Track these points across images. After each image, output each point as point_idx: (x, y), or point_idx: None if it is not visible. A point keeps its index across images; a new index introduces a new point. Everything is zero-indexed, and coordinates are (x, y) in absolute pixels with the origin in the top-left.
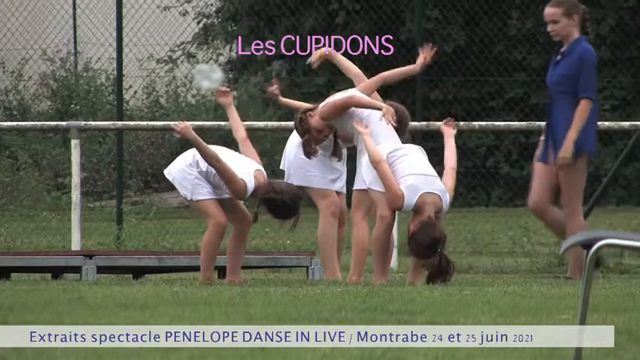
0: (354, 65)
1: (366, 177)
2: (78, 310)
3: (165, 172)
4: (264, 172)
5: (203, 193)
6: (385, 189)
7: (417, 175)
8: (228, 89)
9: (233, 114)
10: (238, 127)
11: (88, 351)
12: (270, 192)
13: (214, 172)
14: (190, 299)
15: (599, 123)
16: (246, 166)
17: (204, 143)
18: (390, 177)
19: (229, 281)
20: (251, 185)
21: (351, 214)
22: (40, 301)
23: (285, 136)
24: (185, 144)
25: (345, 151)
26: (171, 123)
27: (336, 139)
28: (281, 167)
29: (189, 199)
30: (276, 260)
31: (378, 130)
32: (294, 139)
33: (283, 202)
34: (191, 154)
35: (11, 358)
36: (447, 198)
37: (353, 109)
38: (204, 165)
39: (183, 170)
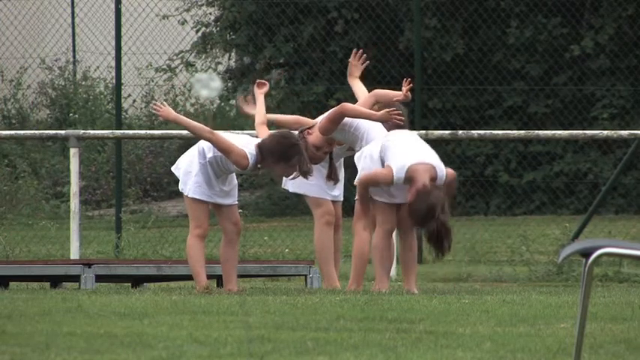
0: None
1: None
2: (77, 319)
3: (173, 168)
4: None
5: (199, 192)
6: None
7: (406, 153)
8: (265, 82)
9: (261, 102)
10: (259, 113)
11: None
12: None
13: (219, 160)
14: (189, 308)
15: (597, 132)
16: (247, 141)
17: (191, 121)
18: (377, 175)
19: (227, 290)
20: (252, 154)
21: (352, 224)
22: (39, 310)
23: None
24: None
25: (342, 160)
26: (172, 131)
27: (331, 162)
28: None
29: (185, 193)
30: (275, 269)
31: (369, 125)
32: None
33: (277, 140)
34: (195, 149)
35: None
36: (442, 169)
37: (351, 121)
38: (209, 153)
39: (190, 164)
